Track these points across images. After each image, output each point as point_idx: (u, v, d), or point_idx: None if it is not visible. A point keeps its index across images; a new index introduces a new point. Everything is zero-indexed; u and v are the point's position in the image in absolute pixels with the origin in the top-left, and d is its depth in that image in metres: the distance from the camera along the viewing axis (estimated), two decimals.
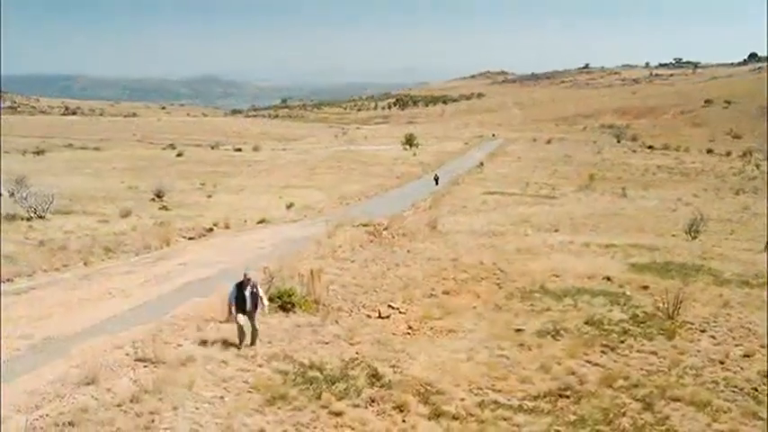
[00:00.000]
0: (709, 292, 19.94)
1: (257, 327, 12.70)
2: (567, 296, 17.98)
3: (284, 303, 14.66)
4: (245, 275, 12.76)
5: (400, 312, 16.01)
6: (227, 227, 30.36)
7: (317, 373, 10.95)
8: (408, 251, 24.76)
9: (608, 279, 20.91)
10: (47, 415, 8.23)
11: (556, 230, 36.33)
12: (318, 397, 10.02)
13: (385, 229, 29.42)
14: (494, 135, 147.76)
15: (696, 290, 19.70)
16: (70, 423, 7.91)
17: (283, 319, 14.00)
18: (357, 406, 9.76)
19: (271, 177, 66.20)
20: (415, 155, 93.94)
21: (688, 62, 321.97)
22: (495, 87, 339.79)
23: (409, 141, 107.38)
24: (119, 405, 8.66)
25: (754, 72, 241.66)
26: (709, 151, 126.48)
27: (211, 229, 28.80)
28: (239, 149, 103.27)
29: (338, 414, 9.39)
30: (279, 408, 9.44)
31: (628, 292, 18.89)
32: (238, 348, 12.25)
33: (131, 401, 8.81)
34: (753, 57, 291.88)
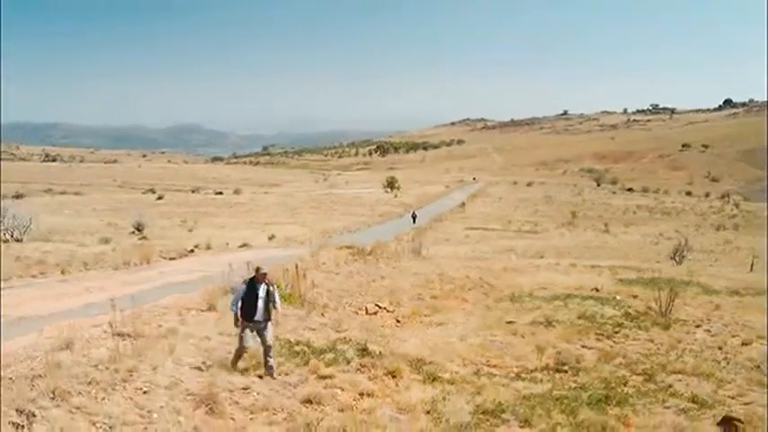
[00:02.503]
0: (700, 299, 19.74)
1: (270, 342, 9.82)
2: (557, 299, 17.69)
3: None
4: (257, 270, 10.23)
5: (388, 311, 15.64)
6: (208, 248, 29.82)
7: (305, 348, 10.50)
8: (393, 267, 24.40)
9: (596, 290, 20.62)
10: (17, 371, 7.73)
11: (541, 257, 36.22)
12: (306, 363, 9.62)
13: (369, 253, 29.06)
14: (474, 179, 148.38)
15: (686, 297, 19.44)
16: (40, 376, 7.42)
17: None
18: (347, 371, 9.36)
19: (252, 216, 65.69)
20: (396, 197, 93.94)
21: (665, 108, 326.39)
22: (474, 134, 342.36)
23: (390, 184, 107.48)
24: (95, 366, 8.16)
25: (729, 117, 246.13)
26: (688, 193, 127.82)
27: (192, 251, 28.22)
28: (220, 193, 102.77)
29: (327, 377, 9.01)
30: (265, 381, 8.98)
31: (618, 297, 18.60)
32: (232, 367, 9.57)
33: (109, 362, 8.31)
34: (728, 102, 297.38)
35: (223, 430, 6.80)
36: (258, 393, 8.19)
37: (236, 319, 10.00)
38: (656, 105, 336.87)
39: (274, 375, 9.45)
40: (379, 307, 15.87)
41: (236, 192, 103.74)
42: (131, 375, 7.94)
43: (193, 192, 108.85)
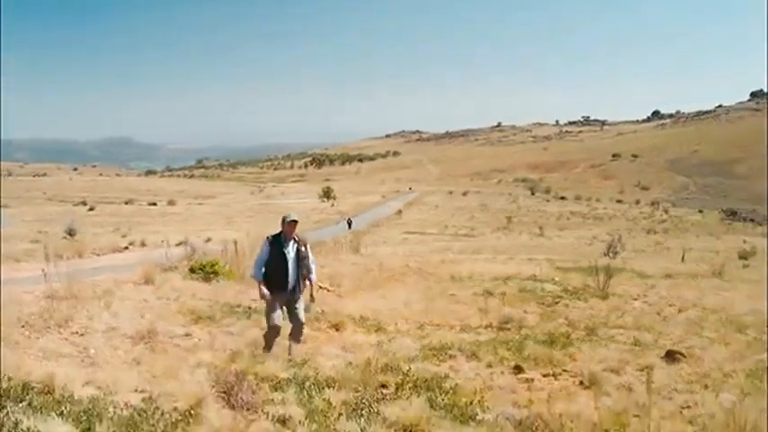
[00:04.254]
0: (635, 281, 20.16)
1: (303, 318, 8.14)
2: (496, 280, 17.82)
3: (207, 274, 13.86)
4: (284, 221, 8.13)
5: (328, 290, 15.47)
6: (143, 245, 29.22)
7: (246, 309, 10.31)
8: (333, 259, 24.28)
9: (535, 276, 20.88)
10: None
11: (479, 253, 36.55)
12: (248, 317, 9.43)
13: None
14: (410, 189, 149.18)
15: (622, 280, 19.82)
16: None
17: (205, 285, 13.18)
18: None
19: (188, 225, 64.56)
20: (333, 206, 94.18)
21: (596, 120, 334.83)
22: (410, 146, 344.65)
23: (327, 194, 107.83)
24: (25, 319, 7.84)
25: (657, 128, 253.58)
26: (619, 201, 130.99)
27: (127, 248, 27.65)
28: (154, 204, 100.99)
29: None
30: (206, 324, 8.78)
31: (557, 279, 18.85)
32: (266, 351, 7.76)
33: (42, 313, 7.99)
34: (656, 114, 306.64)
35: (164, 360, 6.57)
36: (200, 339, 7.98)
37: (263, 292, 7.94)
38: (588, 117, 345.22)
39: (300, 340, 8.07)
40: (320, 287, 15.73)
41: (171, 203, 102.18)
42: (66, 323, 7.68)
43: (126, 203, 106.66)
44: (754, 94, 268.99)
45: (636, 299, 15.47)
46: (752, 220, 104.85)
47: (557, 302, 14.00)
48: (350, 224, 57.62)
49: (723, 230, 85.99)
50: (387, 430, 4.81)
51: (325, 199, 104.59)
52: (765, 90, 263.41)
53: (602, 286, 16.41)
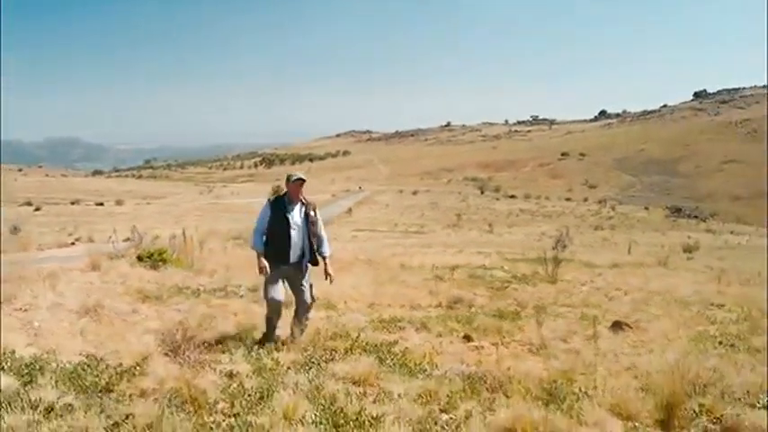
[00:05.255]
0: (583, 269, 20.51)
1: (309, 298, 7.21)
2: (446, 269, 17.94)
3: (154, 262, 13.65)
4: (289, 179, 7.21)
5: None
6: (91, 241, 28.69)
7: (196, 289, 10.21)
8: None
9: (484, 266, 21.10)
10: None
11: (429, 247, 36.75)
12: (197, 296, 9.34)
13: None
14: (360, 188, 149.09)
15: (570, 269, 20.14)
16: None
17: (153, 272, 13.00)
18: (240, 301, 9.17)
19: (135, 223, 63.59)
20: None
21: (544, 119, 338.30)
22: (360, 145, 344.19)
23: (277, 193, 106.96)
24: None
25: (604, 127, 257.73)
26: (568, 199, 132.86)
27: (74, 243, 27.15)
28: (101, 204, 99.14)
29: (221, 305, 8.75)
30: (153, 303, 8.67)
31: (506, 268, 19.08)
32: (262, 345, 6.52)
33: None
34: (603, 113, 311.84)
35: (111, 329, 6.47)
36: (146, 315, 7.88)
37: (262, 265, 6.92)
38: (536, 116, 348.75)
39: (298, 339, 6.83)
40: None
41: (119, 203, 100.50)
42: (10, 300, 7.51)
43: (73, 203, 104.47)
44: (697, 94, 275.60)
45: (584, 284, 15.74)
46: (695, 217, 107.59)
47: (506, 287, 14.16)
48: None
49: (668, 227, 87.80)
50: (336, 382, 4.82)
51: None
52: (709, 90, 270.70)
53: (550, 273, 16.72)
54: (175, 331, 5.54)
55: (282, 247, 6.92)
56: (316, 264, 7.31)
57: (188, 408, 3.82)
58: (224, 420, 3.43)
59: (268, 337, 6.82)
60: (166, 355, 5.15)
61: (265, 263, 6.93)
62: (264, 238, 7.04)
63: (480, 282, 14.54)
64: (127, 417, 3.73)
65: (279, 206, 7.05)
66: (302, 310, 7.18)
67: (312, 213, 7.17)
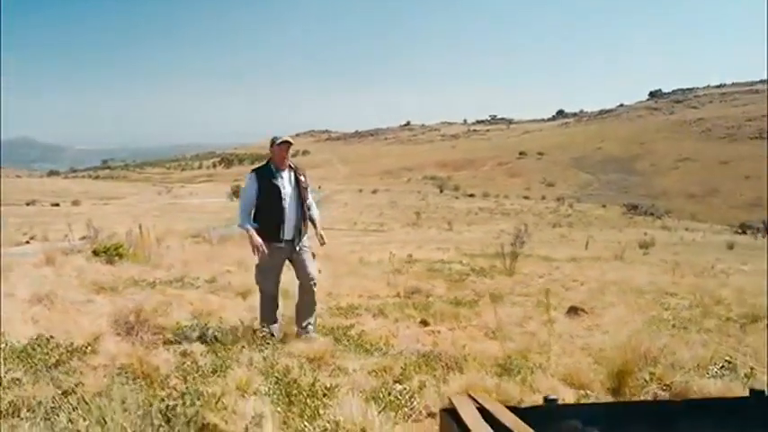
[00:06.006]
0: (542, 263, 20.77)
1: (313, 273, 6.68)
2: (405, 263, 18.02)
3: (110, 257, 13.46)
4: (273, 143, 6.45)
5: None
6: (46, 240, 28.23)
7: (153, 281, 10.10)
8: (239, 248, 24.09)
9: (442, 260, 21.22)
10: None
11: (388, 244, 36.87)
12: (153, 287, 9.23)
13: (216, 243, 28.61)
14: (319, 187, 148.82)
15: (529, 262, 20.34)
16: None
17: (109, 266, 12.82)
18: (196, 292, 9.09)
19: (92, 223, 62.70)
20: None
21: (502, 118, 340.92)
22: (319, 145, 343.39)
23: (236, 193, 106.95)
24: None
25: (561, 127, 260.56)
26: (526, 197, 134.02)
27: (28, 242, 26.78)
28: (57, 204, 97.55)
29: (176, 295, 8.65)
30: (108, 294, 8.55)
31: (464, 261, 19.21)
32: (256, 333, 5.92)
33: None
34: (560, 113, 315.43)
35: (63, 317, 6.36)
36: (101, 305, 7.76)
37: (256, 243, 6.24)
38: (495, 116, 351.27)
39: (311, 333, 6.20)
40: (229, 271, 15.56)
41: (75, 203, 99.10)
42: None
43: (29, 204, 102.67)
44: (652, 94, 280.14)
45: (541, 276, 15.93)
46: (651, 214, 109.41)
47: (464, 279, 14.26)
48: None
49: (625, 224, 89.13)
50: (291, 359, 4.81)
51: (235, 198, 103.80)
52: (664, 90, 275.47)
53: (508, 266, 16.89)
54: (129, 313, 5.46)
55: (274, 222, 6.23)
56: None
57: (140, 382, 3.79)
58: (175, 392, 3.39)
59: (266, 317, 6.43)
60: (119, 335, 5.09)
61: (259, 240, 6.19)
62: (252, 215, 6.35)
63: (438, 274, 14.62)
64: (76, 386, 3.67)
65: (265, 175, 6.33)
66: (306, 289, 6.51)
67: (303, 179, 6.51)
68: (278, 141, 6.34)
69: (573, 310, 8.37)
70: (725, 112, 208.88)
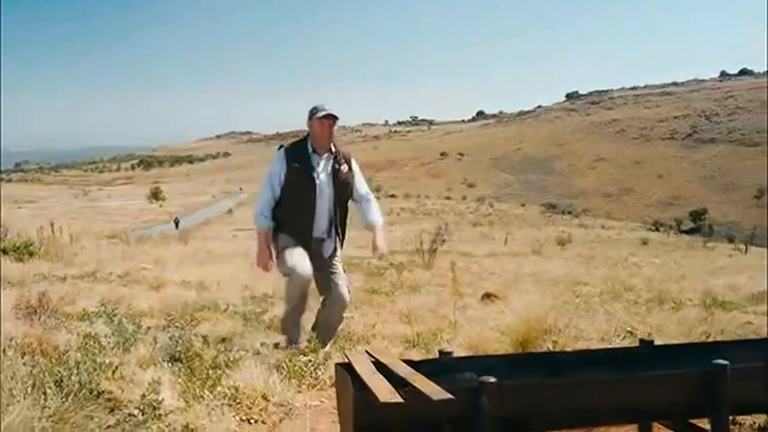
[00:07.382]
0: (461, 259, 20.97)
1: (345, 290, 5.07)
2: None
3: (20, 255, 13.04)
4: (312, 115, 4.81)
5: (151, 271, 15.05)
6: None
7: (64, 275, 9.86)
8: (159, 248, 23.72)
9: (361, 257, 21.28)
10: None
11: None
12: (63, 281, 9.02)
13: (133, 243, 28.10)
14: (241, 189, 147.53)
15: (447, 259, 20.59)
16: None
17: (18, 264, 12.38)
18: (108, 285, 8.90)
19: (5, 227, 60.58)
20: (162, 206, 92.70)
21: (423, 119, 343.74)
22: (240, 146, 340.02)
23: (155, 195, 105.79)
24: None
25: (482, 127, 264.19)
26: (448, 197, 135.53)
27: None
28: None
29: (87, 288, 8.46)
30: (14, 287, 8.28)
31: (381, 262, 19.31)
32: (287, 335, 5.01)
33: None
34: (480, 114, 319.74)
35: None
36: (5, 296, 7.50)
37: (263, 253, 4.90)
38: (416, 117, 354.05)
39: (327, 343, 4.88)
40: (144, 268, 15.26)
41: None
42: None
43: None
44: (569, 96, 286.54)
45: (459, 269, 16.16)
46: (569, 213, 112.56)
47: (382, 273, 14.36)
48: (177, 224, 56.30)
49: (543, 222, 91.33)
50: (197, 339, 4.76)
51: (154, 200, 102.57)
52: (580, 92, 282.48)
53: (426, 261, 17.12)
54: (31, 298, 5.31)
55: (303, 218, 4.77)
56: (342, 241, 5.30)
57: (37, 358, 3.70)
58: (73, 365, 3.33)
59: (289, 330, 5.02)
60: (18, 318, 4.94)
61: (268, 251, 4.88)
62: (273, 203, 4.87)
63: (356, 268, 14.66)
64: None
65: (297, 157, 4.81)
66: (334, 307, 5.02)
67: (345, 168, 4.97)
68: (319, 114, 4.76)
69: (487, 296, 8.57)
70: (638, 113, 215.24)
